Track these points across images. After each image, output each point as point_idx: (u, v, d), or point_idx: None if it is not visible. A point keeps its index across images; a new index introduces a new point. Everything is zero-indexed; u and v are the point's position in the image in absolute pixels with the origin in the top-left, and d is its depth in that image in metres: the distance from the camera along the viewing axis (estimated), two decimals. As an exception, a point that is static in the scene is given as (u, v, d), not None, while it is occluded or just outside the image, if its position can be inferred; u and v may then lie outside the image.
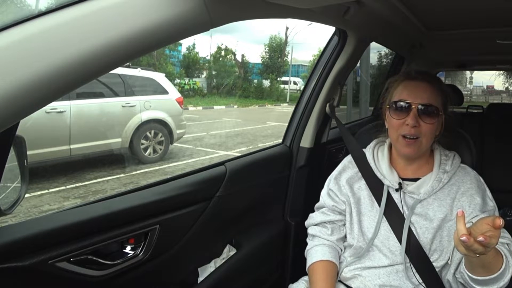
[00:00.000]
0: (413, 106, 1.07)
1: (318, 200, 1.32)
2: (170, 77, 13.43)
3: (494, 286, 0.92)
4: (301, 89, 1.94)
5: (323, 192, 1.30)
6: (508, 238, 1.01)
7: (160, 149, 6.29)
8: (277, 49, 23.03)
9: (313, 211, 1.34)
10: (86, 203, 1.08)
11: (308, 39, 37.22)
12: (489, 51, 2.39)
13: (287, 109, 16.37)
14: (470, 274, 0.93)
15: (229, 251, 1.44)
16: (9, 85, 0.52)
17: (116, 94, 5.79)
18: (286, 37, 22.98)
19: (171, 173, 5.56)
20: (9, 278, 0.86)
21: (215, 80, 21.24)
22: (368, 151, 1.25)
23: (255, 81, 22.38)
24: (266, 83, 21.94)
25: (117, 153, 5.78)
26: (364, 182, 1.21)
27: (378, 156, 1.22)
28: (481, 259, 0.84)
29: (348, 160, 1.31)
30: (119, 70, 5.33)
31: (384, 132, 1.22)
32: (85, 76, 0.58)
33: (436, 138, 1.15)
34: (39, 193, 4.56)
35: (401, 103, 1.09)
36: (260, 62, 23.22)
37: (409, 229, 1.10)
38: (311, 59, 24.42)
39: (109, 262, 1.04)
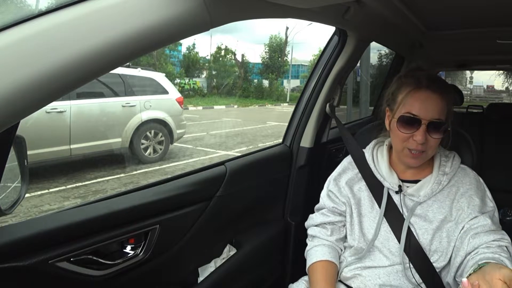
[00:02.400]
0: (423, 122, 1.01)
1: (318, 200, 1.32)
2: (170, 77, 13.44)
3: None
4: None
5: (323, 194, 1.30)
6: (507, 240, 1.01)
7: (160, 149, 6.29)
8: (277, 49, 23.03)
9: (313, 211, 1.33)
10: (86, 203, 1.08)
11: (308, 39, 37.23)
12: (489, 51, 2.39)
13: (287, 109, 16.37)
14: None
15: (229, 251, 1.44)
16: (9, 85, 0.52)
17: (116, 94, 5.79)
18: (286, 37, 23.01)
19: (171, 173, 5.56)
20: (9, 278, 0.86)
21: (215, 80, 21.27)
22: (367, 152, 1.24)
23: (255, 81, 22.40)
24: (267, 83, 21.97)
25: (117, 153, 5.78)
26: (364, 183, 1.21)
27: (377, 157, 1.22)
28: None
29: (348, 161, 1.31)
30: (119, 70, 5.33)
31: (385, 131, 1.21)
32: (85, 76, 0.58)
33: None
34: (39, 193, 4.56)
35: (410, 117, 1.03)
36: (260, 62, 23.24)
37: (409, 230, 1.10)
38: (311, 59, 24.43)
39: (109, 262, 1.04)
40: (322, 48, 1.72)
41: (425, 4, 1.45)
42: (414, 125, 1.03)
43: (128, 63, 5.47)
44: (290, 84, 23.06)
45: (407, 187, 1.15)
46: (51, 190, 4.70)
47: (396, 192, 1.14)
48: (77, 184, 4.97)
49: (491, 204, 1.10)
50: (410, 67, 1.94)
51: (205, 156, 6.82)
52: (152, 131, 6.13)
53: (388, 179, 1.16)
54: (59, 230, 0.94)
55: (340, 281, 1.20)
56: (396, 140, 1.10)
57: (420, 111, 1.02)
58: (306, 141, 1.67)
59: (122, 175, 5.45)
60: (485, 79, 21.32)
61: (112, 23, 0.58)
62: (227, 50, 22.32)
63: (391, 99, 1.13)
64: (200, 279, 1.32)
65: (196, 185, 1.27)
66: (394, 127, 1.08)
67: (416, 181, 1.15)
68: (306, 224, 1.32)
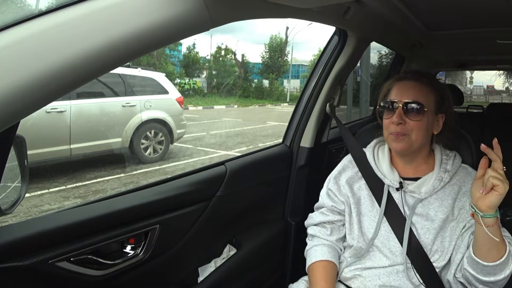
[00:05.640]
0: (399, 104, 1.08)
1: (318, 200, 1.32)
2: (170, 76, 13.46)
3: (502, 275, 0.93)
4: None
5: (322, 192, 1.30)
6: (508, 237, 1.01)
7: (160, 149, 6.29)
8: (277, 48, 23.03)
9: (313, 211, 1.34)
10: (86, 202, 1.08)
11: (308, 39, 37.18)
12: (489, 51, 2.39)
13: (287, 108, 16.37)
14: (483, 262, 0.93)
15: (229, 251, 1.44)
16: (9, 85, 0.52)
17: (116, 94, 5.79)
18: (286, 36, 23.00)
19: (171, 173, 5.56)
20: (9, 278, 0.86)
21: (215, 80, 21.27)
22: (368, 151, 1.25)
23: (255, 80, 22.41)
24: (267, 83, 21.98)
25: (117, 152, 5.78)
26: (364, 182, 1.21)
27: (378, 156, 1.22)
28: (494, 231, 0.89)
29: (348, 159, 1.31)
30: (119, 70, 5.34)
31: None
32: (85, 76, 0.58)
33: (434, 137, 1.15)
34: (39, 192, 4.56)
35: (388, 102, 1.12)
36: (260, 62, 23.24)
37: (410, 229, 1.10)
38: (311, 59, 24.43)
39: (109, 262, 1.04)
40: (322, 48, 1.72)
41: (425, 4, 1.45)
42: (392, 109, 1.10)
43: (128, 63, 5.48)
44: (290, 84, 23.07)
45: (408, 184, 1.15)
46: (51, 190, 4.70)
47: (397, 189, 1.14)
48: (77, 184, 4.97)
49: None
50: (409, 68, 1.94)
51: (205, 156, 6.82)
52: (152, 131, 6.13)
53: (389, 176, 1.16)
54: (59, 230, 0.94)
55: (340, 281, 1.20)
56: (383, 129, 1.15)
57: (396, 96, 1.11)
58: (306, 141, 1.67)
59: (122, 175, 5.45)
60: (485, 79, 21.34)
61: (112, 23, 0.58)
62: (227, 50, 22.34)
63: (380, 98, 1.19)
64: (200, 279, 1.32)
65: (196, 185, 1.27)
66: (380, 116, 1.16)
67: (416, 179, 1.15)
68: (306, 223, 1.32)
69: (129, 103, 5.84)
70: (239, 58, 22.59)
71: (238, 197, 1.43)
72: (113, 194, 1.14)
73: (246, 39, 42.53)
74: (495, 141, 0.89)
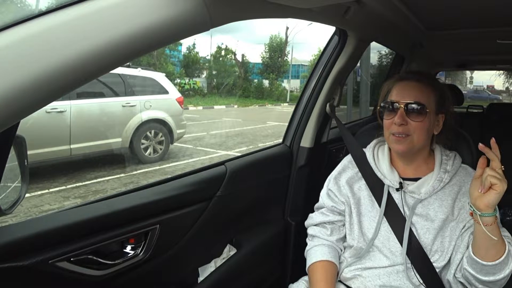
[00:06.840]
0: (400, 105, 1.08)
1: (318, 200, 1.32)
2: (170, 77, 13.46)
3: (501, 274, 0.93)
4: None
5: (323, 193, 1.30)
6: (508, 237, 1.01)
7: (160, 149, 6.29)
8: (277, 48, 23.03)
9: (313, 211, 1.34)
10: (86, 202, 1.08)
11: (308, 39, 37.17)
12: (489, 51, 2.39)
13: (287, 109, 16.37)
14: (482, 261, 0.93)
15: (229, 251, 1.44)
16: (9, 85, 0.52)
17: (116, 94, 5.79)
18: (286, 36, 23.00)
19: (171, 173, 5.56)
20: (9, 278, 0.86)
21: (215, 80, 21.28)
22: (368, 151, 1.25)
23: (255, 80, 22.41)
24: (267, 83, 21.99)
25: (117, 153, 5.78)
26: (364, 182, 1.21)
27: (378, 156, 1.22)
28: (493, 230, 0.89)
29: (348, 160, 1.31)
30: (119, 70, 5.34)
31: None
32: (85, 76, 0.58)
33: (434, 136, 1.15)
34: (39, 192, 4.56)
35: (389, 103, 1.11)
36: (260, 62, 23.24)
37: (410, 230, 1.10)
38: (311, 59, 24.43)
39: (109, 262, 1.04)
40: (322, 48, 1.72)
41: (425, 4, 1.45)
42: (393, 110, 1.10)
43: (128, 63, 5.48)
44: (290, 84, 23.09)
45: (408, 184, 1.15)
46: (51, 190, 4.70)
47: (397, 190, 1.14)
48: (77, 184, 4.97)
49: None
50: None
51: (205, 156, 6.82)
52: (152, 131, 6.13)
53: (389, 176, 1.16)
54: (59, 230, 0.94)
55: (340, 281, 1.20)
56: (384, 130, 1.15)
57: (397, 96, 1.11)
58: (306, 141, 1.67)
59: (122, 175, 5.45)
60: (485, 79, 21.35)
61: (112, 23, 0.58)
62: (227, 50, 22.34)
63: (380, 98, 1.19)
64: (200, 279, 1.32)
65: (196, 185, 1.27)
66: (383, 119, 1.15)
67: (416, 179, 1.15)
68: (306, 223, 1.32)
69: (129, 103, 5.85)
70: (239, 58, 22.62)
71: (238, 197, 1.43)
72: (113, 194, 1.14)
73: (246, 39, 42.53)
74: (493, 140, 0.89)
